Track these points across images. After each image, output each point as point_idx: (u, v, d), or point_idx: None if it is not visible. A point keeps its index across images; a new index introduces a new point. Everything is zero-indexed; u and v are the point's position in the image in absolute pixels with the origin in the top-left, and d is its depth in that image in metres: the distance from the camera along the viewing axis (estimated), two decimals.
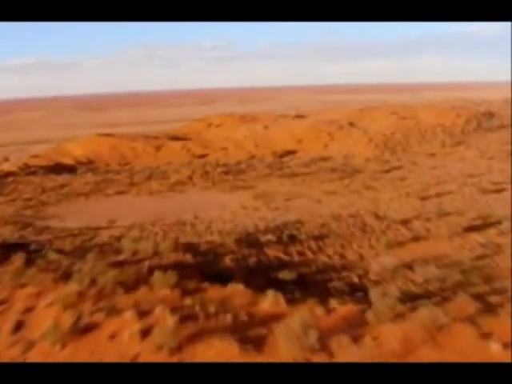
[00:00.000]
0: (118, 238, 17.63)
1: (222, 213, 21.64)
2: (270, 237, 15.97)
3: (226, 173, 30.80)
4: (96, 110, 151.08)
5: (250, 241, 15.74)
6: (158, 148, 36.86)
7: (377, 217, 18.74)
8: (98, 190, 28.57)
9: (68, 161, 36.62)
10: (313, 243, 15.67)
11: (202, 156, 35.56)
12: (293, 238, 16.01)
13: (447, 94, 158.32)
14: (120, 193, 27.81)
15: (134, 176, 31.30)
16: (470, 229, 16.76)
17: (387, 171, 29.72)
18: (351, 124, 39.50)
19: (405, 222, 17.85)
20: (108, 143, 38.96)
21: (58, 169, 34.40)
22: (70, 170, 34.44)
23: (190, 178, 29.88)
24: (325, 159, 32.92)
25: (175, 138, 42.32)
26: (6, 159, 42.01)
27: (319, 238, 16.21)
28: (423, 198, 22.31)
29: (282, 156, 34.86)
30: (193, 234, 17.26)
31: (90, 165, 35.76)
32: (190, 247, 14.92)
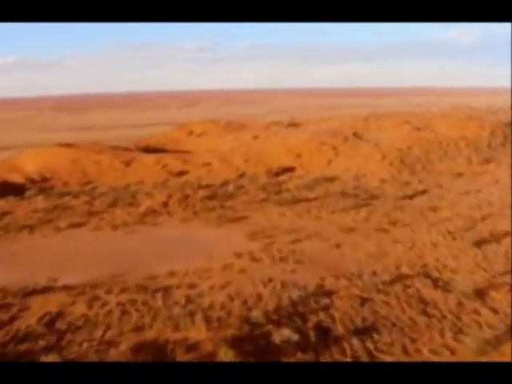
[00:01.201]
0: (51, 323, 11.67)
1: (207, 265, 15.85)
2: (289, 332, 10.17)
3: (211, 197, 24.97)
4: (76, 112, 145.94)
5: (257, 340, 9.94)
6: (127, 163, 30.83)
7: (435, 283, 13.11)
8: (48, 221, 22.56)
9: (17, 178, 30.40)
10: (357, 344, 9.95)
11: (181, 174, 29.67)
12: (325, 335, 10.25)
13: (438, 98, 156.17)
14: (75, 226, 21.89)
15: (96, 201, 25.27)
16: None
17: (410, 197, 24.26)
18: (356, 135, 34.02)
19: (480, 295, 12.29)
20: (68, 156, 32.78)
21: (2, 189, 28.11)
22: (18, 190, 28.23)
23: (166, 204, 24.01)
24: (331, 179, 27.31)
25: (149, 150, 36.29)
26: None
27: (364, 331, 10.49)
28: (478, 243, 16.83)
29: (277, 174, 29.17)
30: (165, 319, 11.37)
31: (43, 184, 29.58)
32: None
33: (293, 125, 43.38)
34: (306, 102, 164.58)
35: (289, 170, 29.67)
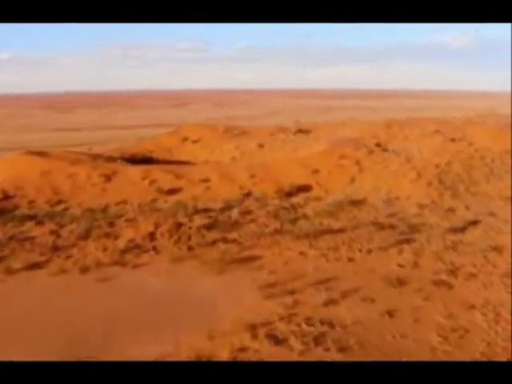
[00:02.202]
0: None
1: (208, 349, 10.99)
2: None
3: (210, 227, 20.08)
4: (63, 110, 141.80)
5: None
6: (107, 177, 25.82)
7: None
8: None
9: None
10: None
11: (172, 192, 24.71)
12: None
13: (434, 102, 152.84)
14: (32, 267, 17.13)
15: (64, 229, 20.29)
16: None
17: (461, 229, 19.48)
18: (380, 146, 29.20)
19: None
20: (38, 167, 27.69)
21: None
22: None
23: (152, 236, 19.17)
24: (357, 203, 22.44)
25: (135, 160, 31.28)
26: None
27: None
28: None
29: (290, 194, 24.27)
30: None
31: (5, 203, 24.46)
32: None
33: (301, 131, 38.53)
34: (298, 103, 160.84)
35: (304, 188, 24.75)
